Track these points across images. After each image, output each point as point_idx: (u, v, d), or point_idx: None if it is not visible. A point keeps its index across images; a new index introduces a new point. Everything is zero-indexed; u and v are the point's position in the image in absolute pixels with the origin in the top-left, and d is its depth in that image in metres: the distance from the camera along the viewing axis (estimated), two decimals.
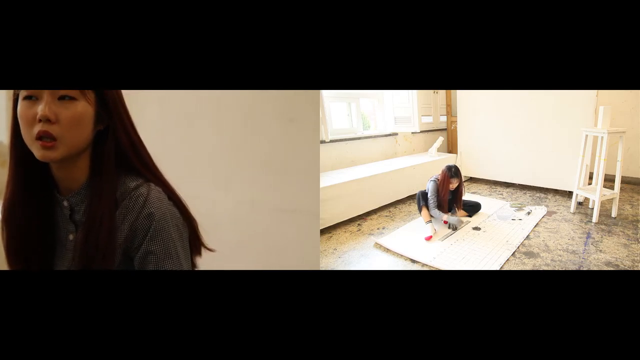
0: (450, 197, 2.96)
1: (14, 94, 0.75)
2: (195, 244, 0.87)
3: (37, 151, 0.73)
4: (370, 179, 3.28)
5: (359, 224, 3.10)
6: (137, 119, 0.86)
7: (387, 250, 2.56)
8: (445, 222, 2.89)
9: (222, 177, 1.62)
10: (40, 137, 0.71)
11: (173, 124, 1.65)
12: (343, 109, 4.20)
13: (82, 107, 0.74)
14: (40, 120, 0.71)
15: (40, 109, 0.71)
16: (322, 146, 3.45)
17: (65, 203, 0.80)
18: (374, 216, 3.31)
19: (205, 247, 0.90)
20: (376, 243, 2.67)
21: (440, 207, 2.91)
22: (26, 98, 0.73)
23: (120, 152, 0.80)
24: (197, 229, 0.87)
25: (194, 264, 0.89)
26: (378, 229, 2.99)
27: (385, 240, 2.71)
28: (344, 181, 3.04)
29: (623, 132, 2.90)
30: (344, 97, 4.13)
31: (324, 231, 2.88)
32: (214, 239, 0.93)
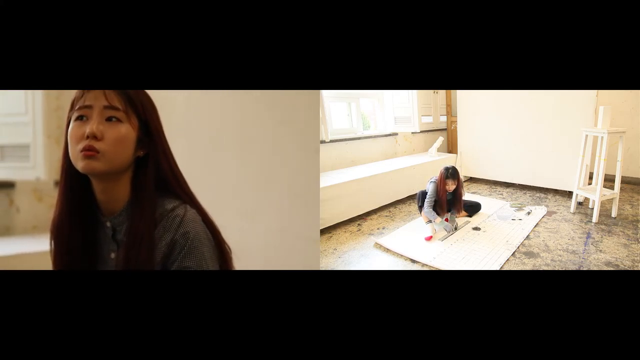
0: (449, 198, 2.96)
1: (67, 117, 0.82)
2: (226, 267, 0.91)
3: (80, 162, 0.78)
4: (370, 179, 3.28)
5: (359, 224, 3.10)
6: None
7: (387, 250, 2.56)
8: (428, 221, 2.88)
9: (249, 207, 1.66)
10: (85, 149, 0.78)
11: (199, 155, 1.69)
12: (343, 109, 4.19)
13: (126, 129, 0.81)
14: (87, 137, 0.78)
15: (89, 127, 0.78)
16: (322, 146, 3.45)
17: (108, 224, 0.85)
18: (374, 216, 3.31)
19: None
20: (376, 243, 2.67)
21: (440, 208, 2.90)
22: (77, 119, 0.80)
23: (159, 177, 0.86)
24: (229, 254, 0.91)
25: None
26: (378, 229, 2.99)
27: (385, 240, 2.70)
28: (344, 181, 3.04)
29: (623, 132, 2.90)
30: (344, 97, 4.13)
31: (324, 231, 2.88)
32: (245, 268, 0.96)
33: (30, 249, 1.69)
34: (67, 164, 0.83)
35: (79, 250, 0.85)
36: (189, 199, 0.88)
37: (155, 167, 0.85)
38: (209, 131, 1.70)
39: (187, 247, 0.81)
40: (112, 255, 0.85)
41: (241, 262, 0.96)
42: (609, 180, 3.11)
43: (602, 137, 2.87)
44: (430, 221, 2.85)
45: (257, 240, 1.61)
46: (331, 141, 3.61)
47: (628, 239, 2.58)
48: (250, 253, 1.58)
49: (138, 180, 0.85)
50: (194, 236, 0.82)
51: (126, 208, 0.84)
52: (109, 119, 0.80)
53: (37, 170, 2.03)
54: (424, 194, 2.98)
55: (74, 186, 0.84)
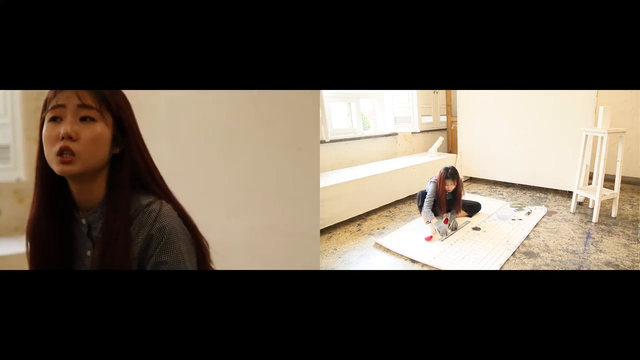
0: (449, 198, 2.96)
1: (41, 118, 0.82)
2: (204, 263, 0.91)
3: (56, 166, 0.79)
4: (370, 179, 3.28)
5: (359, 224, 3.10)
6: (148, 149, 0.91)
7: (387, 250, 2.56)
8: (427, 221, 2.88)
9: (233, 205, 1.65)
10: (61, 152, 0.78)
11: (183, 152, 1.69)
12: (343, 109, 4.19)
13: (101, 128, 0.81)
14: (62, 138, 0.78)
15: (63, 127, 0.78)
16: (322, 146, 3.45)
17: (84, 221, 0.85)
18: (374, 216, 3.31)
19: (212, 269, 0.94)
20: (376, 243, 2.67)
21: (439, 208, 2.90)
22: (51, 120, 0.80)
23: (134, 173, 0.86)
24: (207, 248, 0.91)
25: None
26: (378, 229, 2.99)
27: (385, 240, 2.71)
28: (344, 181, 3.03)
29: (623, 132, 2.90)
30: (344, 97, 4.13)
31: (324, 231, 2.88)
32: (225, 264, 0.96)
33: (12, 250, 1.69)
34: (41, 165, 0.83)
35: (56, 249, 0.85)
36: (164, 194, 0.88)
37: (130, 164, 0.85)
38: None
39: (163, 241, 0.81)
40: (88, 252, 0.85)
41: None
42: (609, 180, 3.11)
43: (602, 137, 2.87)
44: (430, 221, 2.85)
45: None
46: (331, 141, 3.61)
47: (628, 239, 2.58)
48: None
49: (113, 177, 0.85)
50: (170, 231, 0.82)
51: (101, 205, 0.84)
52: (83, 119, 0.80)
53: (17, 172, 2.04)
54: (424, 194, 2.98)
55: (50, 186, 0.84)
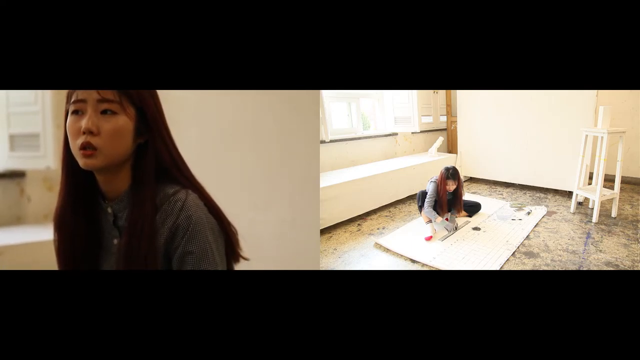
0: (450, 198, 2.96)
1: (65, 110, 0.82)
2: (233, 250, 0.91)
3: (80, 159, 0.79)
4: (370, 179, 3.28)
5: (359, 224, 3.10)
6: (177, 143, 0.91)
7: (387, 250, 2.56)
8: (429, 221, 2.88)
9: (249, 208, 1.65)
10: (83, 147, 0.78)
11: (211, 147, 1.68)
12: (343, 109, 4.20)
13: (122, 121, 0.81)
14: (84, 133, 0.78)
15: (84, 122, 0.78)
16: (322, 146, 3.45)
17: (109, 210, 0.86)
18: (374, 216, 3.31)
19: (241, 256, 0.93)
20: (376, 243, 2.67)
21: (440, 208, 2.90)
22: (73, 113, 0.80)
23: (159, 163, 0.86)
24: (235, 236, 0.91)
25: (230, 269, 0.92)
26: (378, 229, 2.99)
27: (385, 240, 2.71)
28: (344, 181, 3.04)
29: (623, 132, 2.90)
30: (344, 97, 4.14)
31: (324, 231, 2.88)
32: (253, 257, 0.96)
33: (42, 237, 1.70)
34: (67, 156, 0.84)
35: (82, 238, 0.85)
36: (189, 183, 0.88)
37: (154, 154, 0.85)
38: (207, 131, 1.69)
39: (190, 230, 0.81)
40: (115, 241, 0.85)
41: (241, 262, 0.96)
42: (609, 180, 3.11)
43: (602, 137, 2.87)
44: (430, 221, 2.85)
45: (257, 240, 1.61)
46: (331, 141, 3.61)
47: (628, 239, 2.58)
48: (251, 254, 1.59)
49: (138, 168, 0.84)
50: (196, 220, 0.81)
51: (127, 194, 0.84)
52: (104, 112, 0.79)
53: (47, 160, 2.03)
54: (424, 194, 2.98)
55: (75, 176, 0.85)
